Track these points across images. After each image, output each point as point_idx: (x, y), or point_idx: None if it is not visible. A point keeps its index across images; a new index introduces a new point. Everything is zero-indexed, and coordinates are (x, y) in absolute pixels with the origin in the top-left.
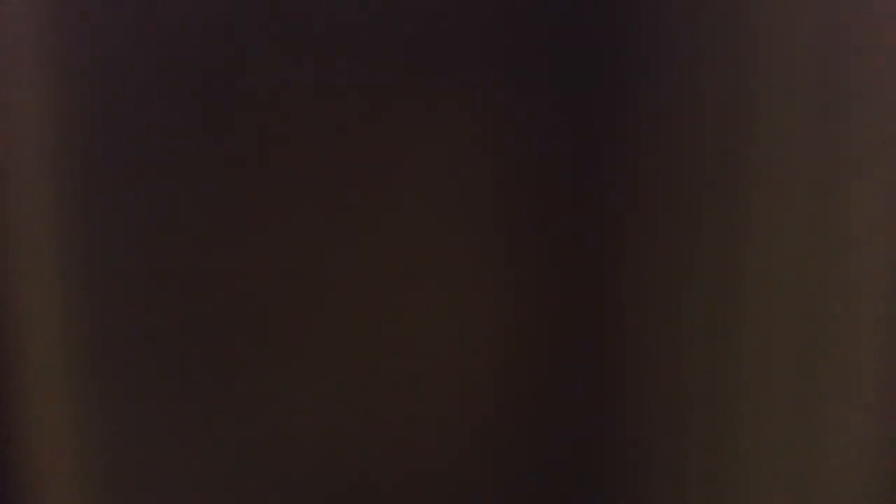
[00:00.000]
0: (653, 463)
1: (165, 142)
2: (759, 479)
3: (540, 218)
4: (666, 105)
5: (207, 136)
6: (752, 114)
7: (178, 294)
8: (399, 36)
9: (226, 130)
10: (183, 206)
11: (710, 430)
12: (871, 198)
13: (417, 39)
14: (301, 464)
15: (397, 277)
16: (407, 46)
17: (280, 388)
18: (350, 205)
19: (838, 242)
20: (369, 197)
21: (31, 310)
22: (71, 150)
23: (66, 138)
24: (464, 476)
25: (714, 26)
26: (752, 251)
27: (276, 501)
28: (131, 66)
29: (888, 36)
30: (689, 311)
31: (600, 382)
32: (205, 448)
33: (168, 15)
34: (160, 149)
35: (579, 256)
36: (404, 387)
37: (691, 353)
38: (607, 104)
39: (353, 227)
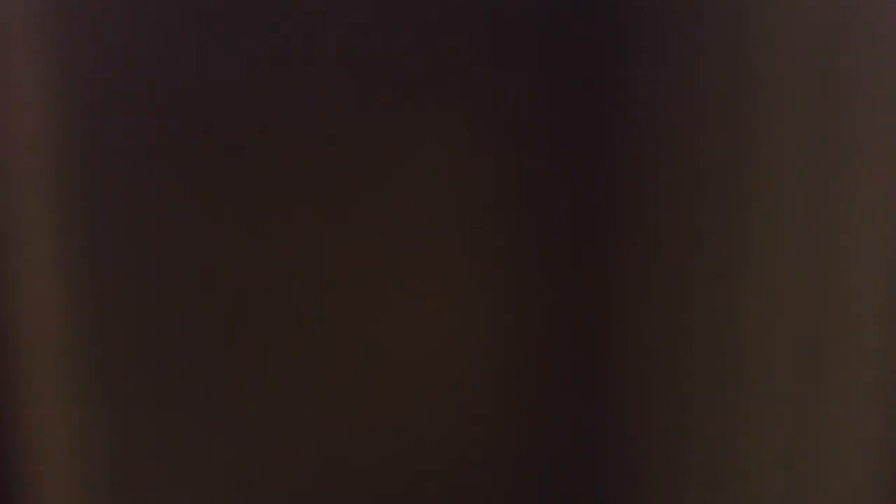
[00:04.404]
0: (653, 463)
1: (164, 142)
2: (760, 479)
3: (539, 218)
4: (666, 104)
5: (207, 137)
6: (752, 113)
7: (178, 295)
8: (397, 37)
9: (225, 131)
10: (184, 207)
11: (711, 430)
12: (871, 197)
13: (415, 39)
14: (300, 464)
15: (397, 279)
16: (405, 47)
17: (279, 390)
18: (352, 207)
19: (839, 242)
20: (370, 199)
21: (31, 310)
22: (71, 149)
23: (66, 138)
24: (464, 477)
25: (714, 26)
26: (752, 251)
27: (275, 501)
28: (131, 67)
29: (888, 35)
30: (689, 312)
31: (600, 382)
32: (204, 448)
33: (167, 15)
34: (159, 149)
35: (579, 257)
36: (404, 388)
37: (692, 353)
38: (607, 104)
39: (353, 228)
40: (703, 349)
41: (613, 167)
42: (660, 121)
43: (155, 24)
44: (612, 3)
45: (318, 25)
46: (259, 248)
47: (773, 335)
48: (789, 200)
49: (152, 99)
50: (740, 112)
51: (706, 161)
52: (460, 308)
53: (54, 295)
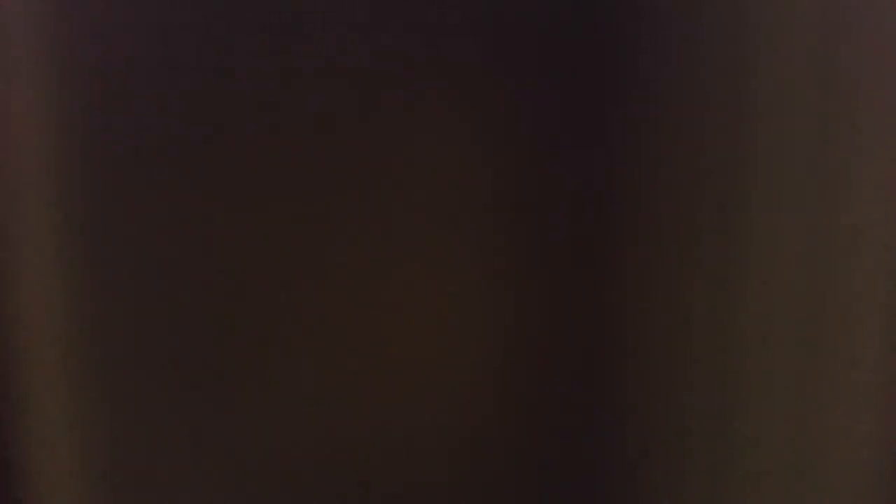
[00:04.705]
0: (653, 463)
1: (164, 142)
2: (760, 478)
3: (539, 218)
4: (666, 104)
5: (206, 136)
6: (752, 114)
7: (178, 294)
8: (397, 36)
9: (224, 130)
10: (184, 206)
11: (711, 429)
12: (871, 197)
13: (415, 38)
14: (300, 464)
15: (396, 278)
16: (405, 45)
17: (279, 389)
18: (351, 205)
19: (839, 242)
20: (369, 197)
21: (31, 310)
22: (71, 150)
23: (66, 138)
24: (463, 477)
25: (714, 26)
26: (752, 251)
27: (275, 501)
28: (131, 66)
29: (888, 36)
30: (689, 311)
31: (599, 383)
32: (205, 448)
33: (167, 14)
34: (159, 149)
35: (579, 257)
36: (404, 387)
37: (692, 353)
38: (608, 104)
39: (352, 227)
40: (704, 349)
41: (613, 167)
42: (660, 120)
43: (155, 23)
44: (613, 3)
45: (319, 25)
46: (259, 247)
47: (774, 335)
48: (790, 200)
49: (152, 99)
50: (741, 112)
51: (706, 161)
52: (460, 308)
53: (54, 295)
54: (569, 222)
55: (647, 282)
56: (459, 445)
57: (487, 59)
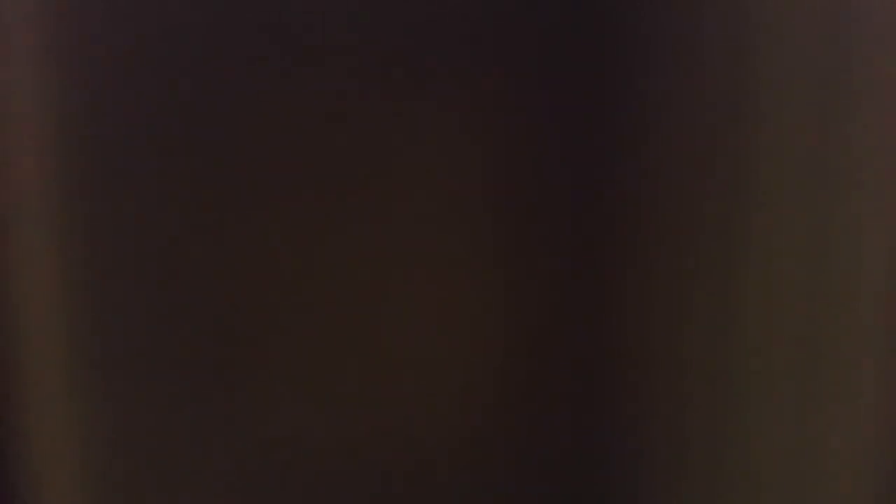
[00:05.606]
0: (653, 464)
1: (165, 142)
2: (759, 479)
3: (537, 217)
4: (665, 104)
5: (206, 136)
6: (752, 113)
7: (178, 294)
8: (396, 34)
9: (224, 130)
10: (183, 206)
11: (710, 431)
12: (871, 198)
13: (414, 37)
14: (300, 464)
15: (396, 278)
16: (404, 44)
17: (279, 389)
18: (351, 206)
19: (839, 242)
20: (368, 198)
21: (31, 310)
22: (71, 150)
23: (65, 139)
24: (461, 476)
25: (714, 25)
26: (752, 251)
27: (275, 501)
28: (131, 66)
29: (888, 36)
30: (689, 312)
31: (599, 383)
32: (205, 448)
33: (168, 14)
34: (159, 149)
35: (578, 256)
36: (402, 387)
37: (691, 353)
38: (607, 103)
39: (352, 227)
40: (704, 349)
41: (614, 166)
42: (660, 120)
43: (156, 23)
44: (613, 3)
45: (319, 25)
46: (259, 247)
47: (774, 335)
48: (790, 200)
49: (152, 99)
50: (741, 111)
51: (707, 161)
52: (461, 308)
53: (54, 295)
54: (569, 222)
55: (647, 281)
56: (459, 445)
57: (486, 59)
